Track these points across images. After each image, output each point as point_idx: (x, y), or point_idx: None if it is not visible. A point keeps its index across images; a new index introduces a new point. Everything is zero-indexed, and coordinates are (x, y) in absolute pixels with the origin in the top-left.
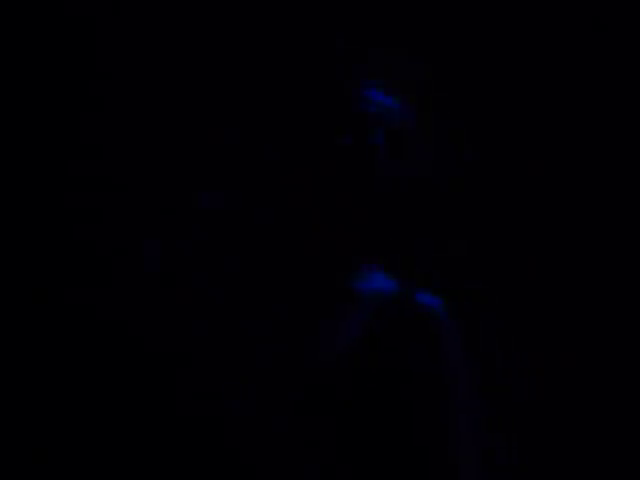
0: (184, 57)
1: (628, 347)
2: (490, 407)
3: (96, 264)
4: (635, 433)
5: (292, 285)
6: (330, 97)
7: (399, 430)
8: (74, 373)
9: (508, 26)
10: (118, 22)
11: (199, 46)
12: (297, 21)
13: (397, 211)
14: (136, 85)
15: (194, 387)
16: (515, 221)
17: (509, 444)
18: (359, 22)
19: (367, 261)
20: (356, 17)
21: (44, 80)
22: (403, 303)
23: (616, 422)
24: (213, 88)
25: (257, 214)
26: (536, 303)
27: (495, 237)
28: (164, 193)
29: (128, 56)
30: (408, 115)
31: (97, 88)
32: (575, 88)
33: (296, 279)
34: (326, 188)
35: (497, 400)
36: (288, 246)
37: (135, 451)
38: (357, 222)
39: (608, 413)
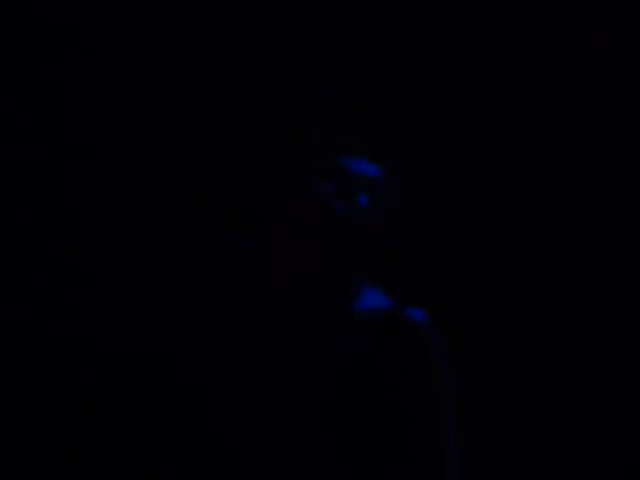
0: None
1: (628, 347)
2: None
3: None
4: (634, 433)
5: (289, 305)
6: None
7: (392, 443)
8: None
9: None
10: (114, 23)
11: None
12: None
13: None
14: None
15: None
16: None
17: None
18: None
19: (364, 281)
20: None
21: (43, 84)
22: (395, 319)
23: (614, 423)
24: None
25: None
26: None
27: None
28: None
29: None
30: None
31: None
32: (573, 88)
33: (293, 300)
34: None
35: (482, 414)
36: (284, 266)
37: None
38: (351, 245)
39: (606, 414)
